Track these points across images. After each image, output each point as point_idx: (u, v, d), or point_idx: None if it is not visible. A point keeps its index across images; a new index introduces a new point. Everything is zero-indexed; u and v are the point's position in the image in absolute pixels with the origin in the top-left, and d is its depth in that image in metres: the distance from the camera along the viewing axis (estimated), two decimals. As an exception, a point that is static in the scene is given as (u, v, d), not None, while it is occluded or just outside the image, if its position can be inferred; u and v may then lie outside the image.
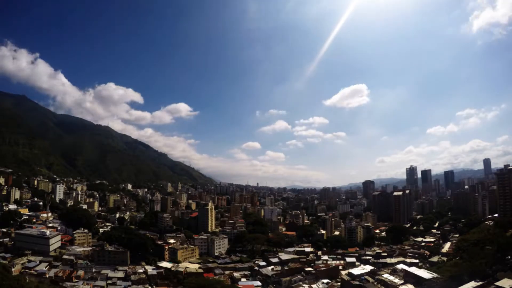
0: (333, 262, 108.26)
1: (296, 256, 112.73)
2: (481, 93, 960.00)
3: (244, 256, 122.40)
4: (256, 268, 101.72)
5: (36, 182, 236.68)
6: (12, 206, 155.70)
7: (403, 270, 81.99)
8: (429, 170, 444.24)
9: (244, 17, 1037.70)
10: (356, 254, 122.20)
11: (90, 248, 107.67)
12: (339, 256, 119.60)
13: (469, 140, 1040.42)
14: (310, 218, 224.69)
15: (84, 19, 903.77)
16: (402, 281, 73.22)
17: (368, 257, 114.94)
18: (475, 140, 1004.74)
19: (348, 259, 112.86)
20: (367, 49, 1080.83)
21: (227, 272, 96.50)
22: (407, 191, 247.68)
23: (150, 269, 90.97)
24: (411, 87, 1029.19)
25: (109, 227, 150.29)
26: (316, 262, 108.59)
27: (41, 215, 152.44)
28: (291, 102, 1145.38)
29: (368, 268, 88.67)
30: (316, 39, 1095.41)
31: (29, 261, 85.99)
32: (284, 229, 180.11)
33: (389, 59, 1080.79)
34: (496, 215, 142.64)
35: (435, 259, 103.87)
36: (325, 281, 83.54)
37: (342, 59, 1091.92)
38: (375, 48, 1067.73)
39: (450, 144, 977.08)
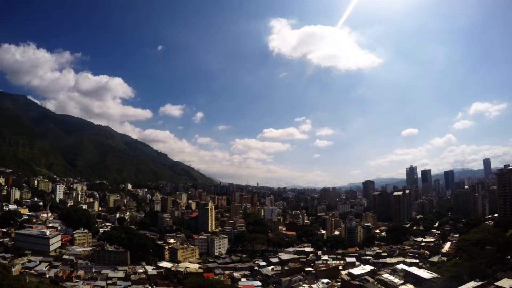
0: (333, 262, 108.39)
1: (296, 256, 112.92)
2: (482, 92, 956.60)
3: (244, 256, 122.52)
4: (256, 268, 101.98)
5: (36, 182, 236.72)
6: (12, 206, 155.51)
7: (403, 270, 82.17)
8: (429, 170, 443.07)
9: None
10: (356, 254, 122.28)
11: (90, 248, 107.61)
12: (339, 256, 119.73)
13: (470, 140, 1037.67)
14: (310, 218, 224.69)
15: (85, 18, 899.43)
16: (402, 281, 73.43)
17: (368, 257, 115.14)
18: (476, 140, 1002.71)
19: (348, 259, 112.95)
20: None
21: (227, 272, 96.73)
22: (407, 191, 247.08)
23: (150, 269, 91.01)
24: (411, 85, 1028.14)
25: (109, 227, 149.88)
26: (316, 262, 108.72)
27: (41, 215, 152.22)
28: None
29: (368, 268, 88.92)
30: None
31: (29, 261, 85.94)
32: (284, 229, 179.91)
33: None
34: (496, 215, 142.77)
35: (435, 259, 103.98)
36: (325, 281, 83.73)
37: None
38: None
39: (451, 144, 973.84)
